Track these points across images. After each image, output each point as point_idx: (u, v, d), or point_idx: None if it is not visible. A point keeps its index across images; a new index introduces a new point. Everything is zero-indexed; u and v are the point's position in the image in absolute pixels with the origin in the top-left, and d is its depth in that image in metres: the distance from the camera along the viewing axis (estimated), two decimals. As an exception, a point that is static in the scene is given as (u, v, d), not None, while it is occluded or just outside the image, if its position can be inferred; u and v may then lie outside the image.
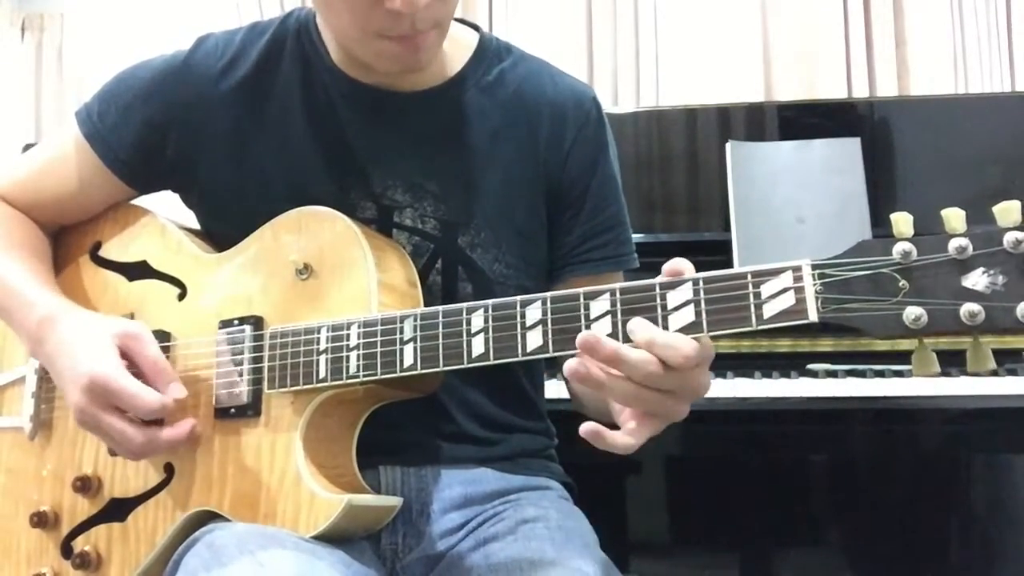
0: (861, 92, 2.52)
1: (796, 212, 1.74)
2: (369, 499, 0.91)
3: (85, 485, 1.00)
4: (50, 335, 0.94)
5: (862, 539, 1.83)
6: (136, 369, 0.91)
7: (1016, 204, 0.68)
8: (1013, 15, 2.51)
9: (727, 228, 1.74)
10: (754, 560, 1.86)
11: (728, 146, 1.79)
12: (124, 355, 0.91)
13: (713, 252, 1.72)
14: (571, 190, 1.06)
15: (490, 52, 1.08)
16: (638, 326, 0.75)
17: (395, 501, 0.95)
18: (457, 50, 1.06)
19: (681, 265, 0.76)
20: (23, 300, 0.99)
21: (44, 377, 1.06)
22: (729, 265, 1.67)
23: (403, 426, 0.99)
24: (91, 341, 0.92)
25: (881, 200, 1.78)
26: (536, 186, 1.06)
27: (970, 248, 0.68)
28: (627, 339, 0.76)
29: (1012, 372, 1.50)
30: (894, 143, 1.90)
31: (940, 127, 1.88)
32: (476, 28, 1.11)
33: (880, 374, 1.51)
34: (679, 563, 1.86)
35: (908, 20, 2.55)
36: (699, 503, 1.84)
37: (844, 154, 1.76)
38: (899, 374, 1.50)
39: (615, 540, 1.08)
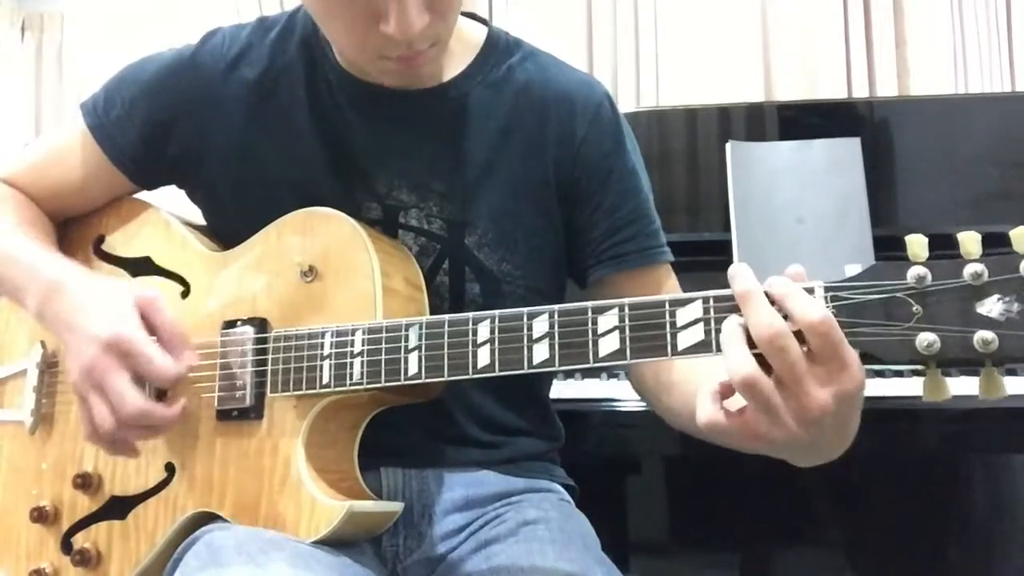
0: (861, 92, 2.52)
1: (796, 212, 1.73)
2: (370, 505, 0.91)
3: (86, 482, 0.99)
4: (63, 293, 0.93)
5: (862, 539, 1.83)
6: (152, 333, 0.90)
7: None
8: (1013, 15, 2.51)
9: (727, 228, 1.73)
10: (754, 560, 1.85)
11: (728, 146, 1.79)
12: (142, 318, 0.90)
13: (713, 252, 1.72)
14: (587, 185, 1.03)
15: (499, 48, 1.06)
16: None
17: (396, 507, 0.94)
18: (464, 47, 1.04)
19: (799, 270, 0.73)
20: (29, 265, 0.97)
21: (45, 371, 1.05)
22: (729, 265, 1.68)
23: (405, 428, 0.99)
24: (112, 301, 0.91)
25: (881, 200, 1.78)
26: (545, 183, 1.03)
27: (986, 274, 0.66)
28: (636, 355, 0.75)
29: (1012, 372, 1.50)
30: (894, 143, 1.89)
31: (940, 127, 1.88)
32: (485, 23, 1.09)
33: (880, 374, 1.51)
34: (679, 563, 1.85)
35: (908, 20, 2.55)
36: (699, 503, 1.83)
37: (844, 154, 1.76)
38: (899, 374, 1.50)
39: (616, 541, 1.08)
